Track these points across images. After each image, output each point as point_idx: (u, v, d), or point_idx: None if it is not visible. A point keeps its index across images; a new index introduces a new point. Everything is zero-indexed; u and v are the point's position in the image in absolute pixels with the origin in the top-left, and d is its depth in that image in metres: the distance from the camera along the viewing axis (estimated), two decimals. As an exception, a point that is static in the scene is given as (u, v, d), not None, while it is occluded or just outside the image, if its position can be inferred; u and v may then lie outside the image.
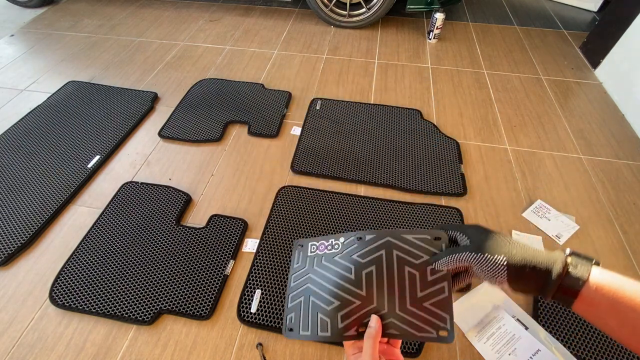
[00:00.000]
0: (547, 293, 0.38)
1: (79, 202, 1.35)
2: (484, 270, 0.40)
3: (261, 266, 1.14)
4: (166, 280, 1.10)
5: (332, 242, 0.54)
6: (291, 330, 0.51)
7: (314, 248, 0.55)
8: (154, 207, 1.30)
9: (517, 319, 1.02)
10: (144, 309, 1.04)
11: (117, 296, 1.07)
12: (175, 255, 1.16)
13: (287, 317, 0.52)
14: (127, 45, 2.20)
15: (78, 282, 1.10)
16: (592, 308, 0.37)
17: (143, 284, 1.09)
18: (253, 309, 1.05)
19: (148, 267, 1.13)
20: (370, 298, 0.48)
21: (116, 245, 1.19)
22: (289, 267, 1.13)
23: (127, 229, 1.24)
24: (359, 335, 0.47)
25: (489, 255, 0.39)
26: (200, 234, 1.22)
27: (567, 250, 0.40)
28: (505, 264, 0.38)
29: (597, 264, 0.38)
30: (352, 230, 1.07)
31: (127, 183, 1.39)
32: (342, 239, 0.53)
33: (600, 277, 0.37)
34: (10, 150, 1.50)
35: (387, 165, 1.45)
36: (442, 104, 1.77)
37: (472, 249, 0.41)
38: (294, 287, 0.54)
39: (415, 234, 0.49)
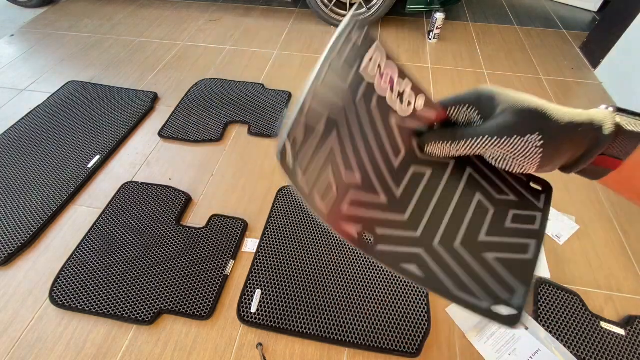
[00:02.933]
0: (587, 160, 0.29)
1: (79, 202, 1.35)
2: (511, 155, 0.29)
3: (261, 266, 1.14)
4: (166, 280, 1.10)
5: (398, 80, 0.30)
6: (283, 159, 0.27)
7: (373, 70, 0.29)
8: (154, 207, 1.30)
9: (517, 319, 1.02)
10: (144, 309, 1.04)
11: (117, 296, 1.07)
12: (175, 255, 1.16)
13: (287, 139, 0.26)
14: (127, 45, 2.20)
15: (78, 282, 1.10)
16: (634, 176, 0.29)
17: (143, 284, 1.09)
18: (253, 309, 1.05)
19: (148, 267, 1.13)
20: (402, 206, 0.31)
21: (116, 245, 1.19)
22: (289, 267, 1.14)
23: (127, 229, 1.24)
24: (358, 242, 0.29)
25: (517, 138, 0.28)
26: (200, 234, 1.22)
27: (608, 108, 0.30)
28: (540, 144, 0.28)
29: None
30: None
31: (127, 183, 1.39)
32: (422, 100, 0.31)
33: None
34: (10, 150, 1.50)
35: (387, 165, 1.45)
36: (442, 104, 1.77)
37: (493, 130, 0.29)
38: (313, 110, 0.29)
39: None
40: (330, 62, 0.29)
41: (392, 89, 0.30)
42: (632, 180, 0.30)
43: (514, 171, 0.31)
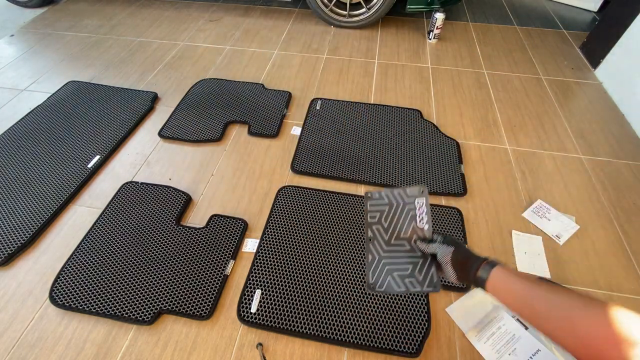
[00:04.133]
0: (470, 282, 0.64)
1: (79, 202, 1.35)
2: (439, 256, 0.68)
3: (261, 266, 1.14)
4: (166, 280, 1.10)
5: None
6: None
7: (416, 203, 0.78)
8: (154, 207, 1.30)
9: (517, 319, 1.02)
10: (144, 309, 1.04)
11: (117, 296, 1.07)
12: (175, 255, 1.16)
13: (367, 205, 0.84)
14: (127, 45, 2.20)
15: (78, 282, 1.10)
16: (494, 293, 0.60)
17: (143, 284, 1.09)
18: (253, 309, 1.05)
19: (148, 267, 1.13)
20: (390, 252, 0.78)
21: (116, 245, 1.19)
22: (289, 267, 1.14)
23: (127, 229, 1.24)
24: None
25: (443, 245, 0.69)
26: (200, 234, 1.22)
27: (487, 258, 0.63)
28: (451, 251, 0.67)
29: (494, 265, 0.61)
30: (353, 230, 1.24)
31: (127, 183, 1.39)
32: (427, 225, 0.75)
33: (495, 276, 0.60)
34: (10, 150, 1.50)
35: (387, 165, 1.45)
36: (442, 104, 1.77)
37: (436, 245, 0.70)
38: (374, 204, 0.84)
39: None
40: (392, 192, 0.81)
41: (420, 216, 0.75)
42: (496, 295, 0.59)
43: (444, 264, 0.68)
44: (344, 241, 1.21)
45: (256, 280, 1.11)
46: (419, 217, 0.76)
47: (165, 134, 1.59)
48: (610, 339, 0.40)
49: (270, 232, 1.23)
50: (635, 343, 0.39)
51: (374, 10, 2.20)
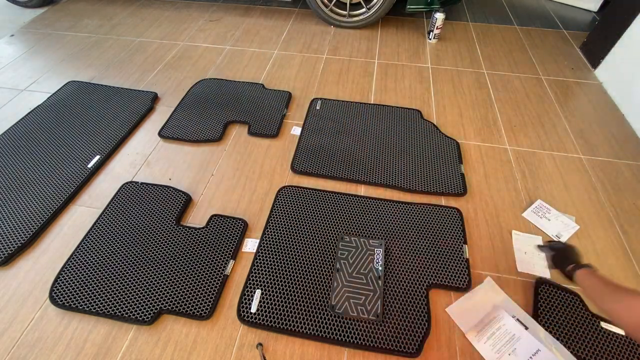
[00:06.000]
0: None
1: (79, 202, 1.35)
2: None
3: (261, 266, 1.14)
4: (166, 280, 1.10)
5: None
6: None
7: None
8: (154, 207, 1.30)
9: (517, 319, 1.02)
10: (144, 309, 1.04)
11: (117, 296, 1.07)
12: (175, 255, 1.16)
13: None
14: (127, 45, 2.20)
15: (78, 282, 1.10)
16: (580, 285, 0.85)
17: (143, 284, 1.10)
18: (253, 309, 1.05)
19: (148, 267, 1.13)
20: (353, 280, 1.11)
21: (116, 245, 1.19)
22: (289, 267, 1.14)
23: (127, 229, 1.24)
24: None
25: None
26: (200, 234, 1.22)
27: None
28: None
29: (586, 266, 0.87)
30: (352, 229, 1.24)
31: (127, 183, 1.39)
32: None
33: (580, 275, 0.85)
34: (10, 150, 1.50)
35: (387, 165, 1.45)
36: (442, 104, 1.77)
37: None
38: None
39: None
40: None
41: (377, 259, 1.15)
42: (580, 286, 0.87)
43: None
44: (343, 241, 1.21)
45: (256, 280, 1.11)
46: (376, 259, 1.11)
47: (165, 134, 1.59)
48: None
49: (270, 232, 1.23)
50: None
51: (374, 10, 2.20)
